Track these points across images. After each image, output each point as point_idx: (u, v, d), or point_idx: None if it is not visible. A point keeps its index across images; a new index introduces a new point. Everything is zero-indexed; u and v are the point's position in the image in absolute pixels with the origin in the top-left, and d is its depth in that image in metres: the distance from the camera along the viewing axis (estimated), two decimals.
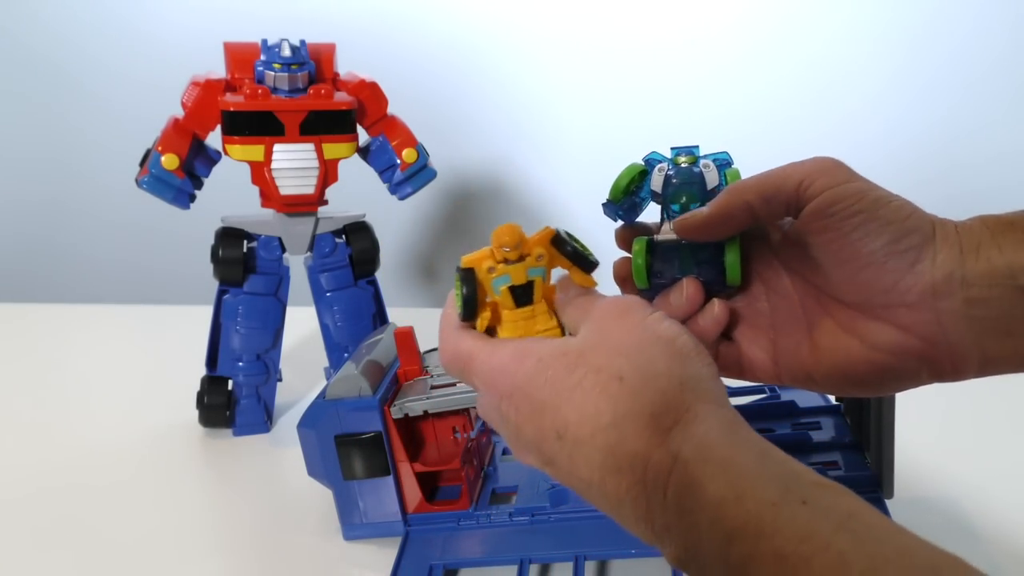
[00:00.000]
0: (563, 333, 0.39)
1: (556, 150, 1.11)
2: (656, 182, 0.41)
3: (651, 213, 0.43)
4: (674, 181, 0.41)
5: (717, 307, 0.39)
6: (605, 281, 0.41)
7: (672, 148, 0.42)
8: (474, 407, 0.58)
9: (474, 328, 0.40)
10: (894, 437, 0.51)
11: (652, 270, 0.41)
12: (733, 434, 0.29)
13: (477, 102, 1.12)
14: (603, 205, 0.43)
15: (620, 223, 0.44)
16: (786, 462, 0.29)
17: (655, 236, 0.42)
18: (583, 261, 0.40)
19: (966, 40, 1.01)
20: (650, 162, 0.42)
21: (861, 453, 0.56)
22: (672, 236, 0.41)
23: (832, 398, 0.63)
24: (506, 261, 0.38)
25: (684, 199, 0.41)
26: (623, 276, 0.42)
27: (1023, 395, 0.78)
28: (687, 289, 0.40)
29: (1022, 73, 1.01)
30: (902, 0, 1.01)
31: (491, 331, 0.40)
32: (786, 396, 0.65)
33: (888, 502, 0.53)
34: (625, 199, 0.42)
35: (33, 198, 1.24)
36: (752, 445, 0.29)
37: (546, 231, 0.40)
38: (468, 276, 0.38)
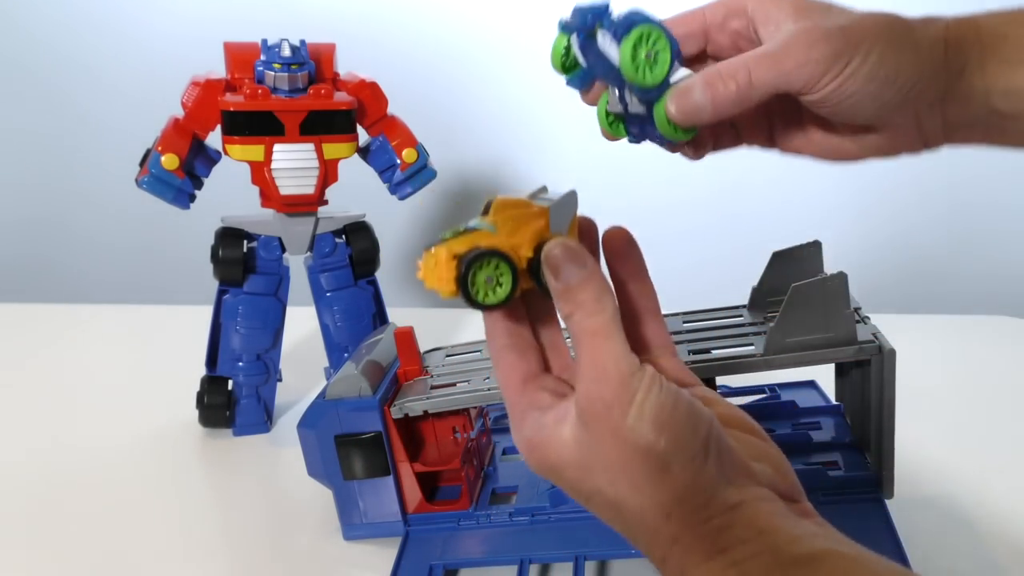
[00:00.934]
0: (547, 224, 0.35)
1: (556, 150, 1.11)
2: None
3: None
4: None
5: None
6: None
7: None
8: (474, 407, 0.58)
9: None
10: (894, 437, 0.51)
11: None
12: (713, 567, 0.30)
13: (477, 102, 1.12)
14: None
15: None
16: None
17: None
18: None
19: None
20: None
21: (861, 453, 0.56)
22: (617, 108, 0.42)
23: (832, 398, 0.63)
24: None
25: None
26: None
27: (1022, 396, 0.78)
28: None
29: None
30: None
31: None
32: (786, 396, 0.65)
33: (888, 502, 0.53)
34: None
35: (33, 198, 1.24)
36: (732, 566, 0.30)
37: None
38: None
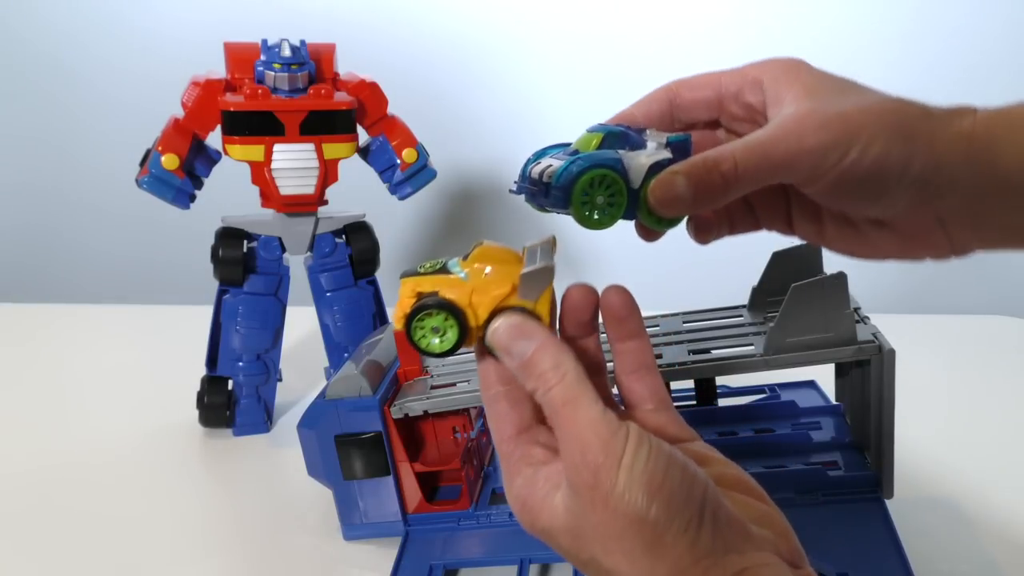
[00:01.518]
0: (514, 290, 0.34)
1: None
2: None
3: None
4: None
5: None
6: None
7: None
8: (474, 407, 0.58)
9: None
10: (894, 437, 0.51)
11: None
12: None
13: (477, 102, 1.12)
14: None
15: None
16: None
17: None
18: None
19: (962, 37, 1.01)
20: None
21: (861, 453, 0.56)
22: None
23: (832, 398, 0.63)
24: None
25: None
26: None
27: (1022, 396, 0.78)
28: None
29: (1017, 70, 1.01)
30: None
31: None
32: (786, 396, 0.65)
33: (888, 502, 0.53)
34: None
35: (33, 198, 1.24)
36: None
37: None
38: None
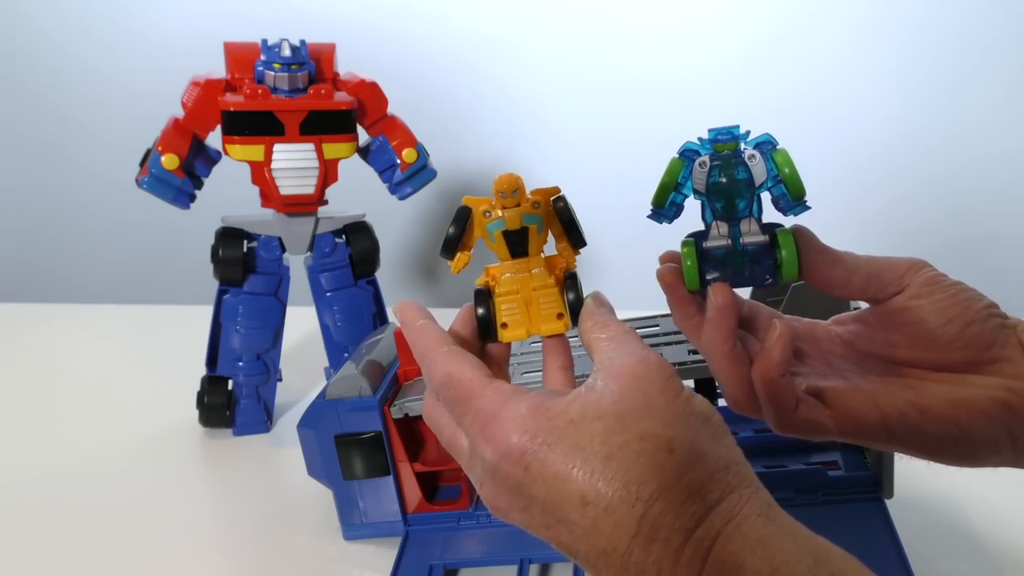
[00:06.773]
0: (562, 295, 0.38)
1: (556, 150, 1.11)
2: (699, 180, 0.37)
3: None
4: (721, 180, 0.37)
5: (779, 326, 0.37)
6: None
7: (710, 130, 0.37)
8: None
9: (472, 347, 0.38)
10: None
11: (703, 272, 0.38)
12: (768, 518, 0.30)
13: (477, 102, 1.12)
14: (649, 216, 0.39)
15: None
16: (812, 539, 0.30)
17: (704, 242, 0.38)
18: (574, 231, 0.38)
19: (960, 39, 1.01)
20: (687, 155, 0.38)
21: (861, 453, 0.56)
22: (721, 241, 0.38)
23: None
24: (503, 208, 0.38)
25: (731, 198, 0.37)
26: (670, 281, 0.39)
27: None
28: (715, 298, 0.38)
29: (1016, 72, 1.01)
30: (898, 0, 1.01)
31: (487, 292, 0.39)
32: None
33: (888, 502, 0.53)
34: (669, 204, 0.38)
35: (33, 198, 1.24)
36: (784, 526, 0.30)
37: (552, 188, 0.39)
38: (461, 214, 0.39)
